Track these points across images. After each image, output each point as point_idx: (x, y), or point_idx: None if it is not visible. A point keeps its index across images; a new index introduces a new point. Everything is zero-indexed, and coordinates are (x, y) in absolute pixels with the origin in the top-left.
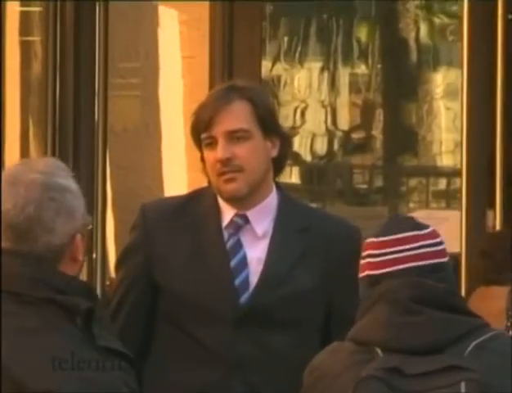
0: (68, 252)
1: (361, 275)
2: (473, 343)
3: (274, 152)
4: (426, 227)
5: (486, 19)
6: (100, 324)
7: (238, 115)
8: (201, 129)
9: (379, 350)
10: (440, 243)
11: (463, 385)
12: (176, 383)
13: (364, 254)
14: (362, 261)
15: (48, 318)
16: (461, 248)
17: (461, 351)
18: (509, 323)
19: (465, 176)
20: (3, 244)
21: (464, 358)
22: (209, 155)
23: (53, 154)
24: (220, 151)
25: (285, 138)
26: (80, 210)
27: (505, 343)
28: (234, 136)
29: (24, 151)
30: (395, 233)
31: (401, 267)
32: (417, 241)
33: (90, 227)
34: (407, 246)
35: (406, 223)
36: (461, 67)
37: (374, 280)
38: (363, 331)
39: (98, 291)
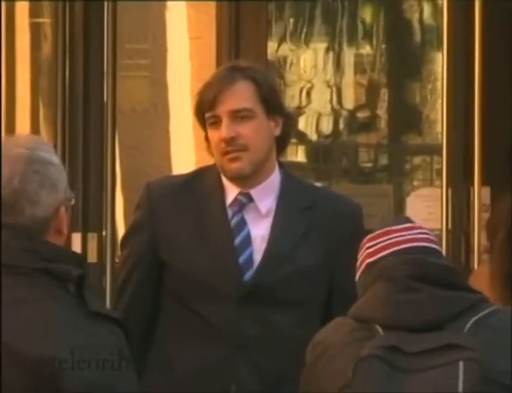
0: (53, 224)
1: (359, 268)
2: (473, 319)
3: (277, 131)
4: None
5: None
6: (90, 291)
7: (242, 95)
8: (205, 109)
9: (379, 328)
10: (432, 235)
11: (461, 364)
12: (180, 358)
13: (362, 250)
14: (360, 257)
15: (42, 287)
16: (447, 224)
17: (461, 328)
18: None
19: (445, 154)
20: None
21: (464, 335)
22: (214, 134)
23: (63, 134)
24: (224, 130)
25: (288, 118)
26: (63, 183)
27: (504, 318)
28: (238, 115)
29: (35, 132)
30: (390, 226)
31: (397, 248)
32: (412, 230)
33: (73, 202)
34: (403, 233)
35: (400, 219)
36: (442, 51)
37: (372, 265)
38: (363, 308)
39: (108, 268)
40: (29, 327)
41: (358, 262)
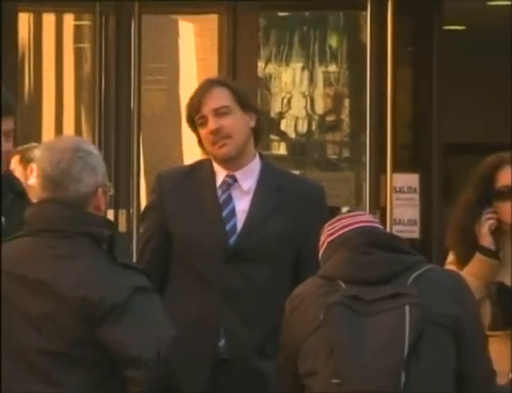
0: (92, 201)
1: (321, 247)
2: (414, 275)
3: (252, 123)
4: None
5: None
6: (119, 248)
7: (219, 96)
8: (193, 113)
9: (342, 283)
10: (377, 220)
11: (407, 307)
12: (180, 306)
13: (323, 233)
14: (322, 238)
15: (82, 246)
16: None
17: (404, 282)
18: None
19: (368, 142)
20: (43, 194)
21: (407, 286)
22: (203, 131)
23: (99, 134)
24: (211, 124)
25: (259, 113)
26: (101, 170)
27: (437, 274)
28: (219, 112)
29: (78, 132)
30: (344, 215)
31: (351, 228)
32: (361, 216)
33: (111, 192)
34: (355, 218)
35: (352, 210)
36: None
37: (332, 242)
38: (329, 269)
39: (134, 236)
40: (74, 275)
41: (320, 243)
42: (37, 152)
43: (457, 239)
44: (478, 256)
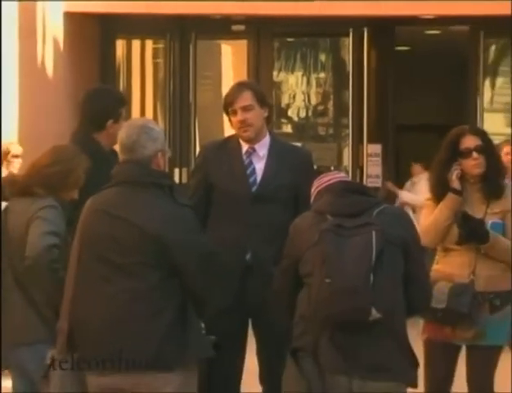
0: (154, 161)
1: (312, 195)
2: (376, 210)
3: (265, 114)
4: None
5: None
6: (178, 193)
7: (245, 97)
8: (228, 106)
9: (329, 216)
10: (348, 177)
11: (373, 232)
12: (220, 233)
13: (313, 186)
14: (312, 189)
15: (151, 193)
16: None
17: (370, 215)
18: None
19: (351, 124)
20: (122, 157)
21: (373, 218)
22: (234, 119)
23: (169, 121)
24: (239, 116)
25: (270, 107)
26: (161, 140)
27: (391, 210)
28: (245, 108)
29: (155, 119)
30: (327, 173)
31: (333, 181)
32: (339, 174)
33: (169, 154)
34: (335, 175)
35: (332, 171)
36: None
37: (319, 191)
38: (320, 207)
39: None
40: (147, 212)
41: (312, 190)
42: (14, 147)
43: (435, 184)
44: (449, 195)
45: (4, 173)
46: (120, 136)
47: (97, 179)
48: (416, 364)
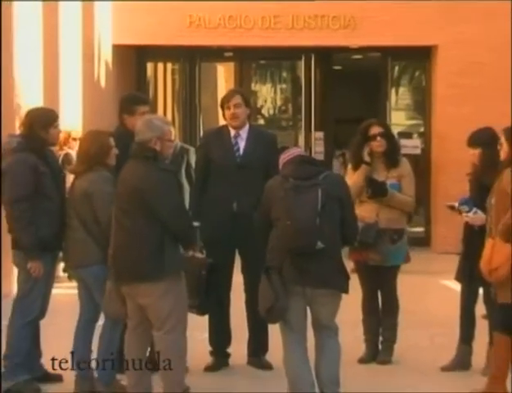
0: (151, 144)
1: (280, 164)
2: (322, 175)
3: (248, 112)
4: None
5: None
6: (161, 162)
7: (236, 98)
8: (224, 103)
9: (290, 179)
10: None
11: (319, 190)
12: (215, 191)
13: (280, 159)
14: (280, 160)
15: (141, 162)
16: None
17: (318, 178)
18: None
19: (304, 118)
20: (136, 139)
21: (320, 180)
22: (227, 112)
23: (184, 122)
24: (232, 110)
25: (251, 107)
26: (158, 130)
27: (332, 175)
28: (236, 105)
29: (173, 122)
30: (289, 149)
31: (293, 155)
32: (297, 149)
33: (173, 138)
34: (294, 150)
35: (293, 147)
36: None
37: (284, 163)
38: (285, 172)
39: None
40: (136, 175)
41: (280, 160)
42: (73, 132)
43: (353, 158)
44: (362, 166)
45: (64, 152)
46: (138, 124)
47: (123, 155)
48: (347, 278)
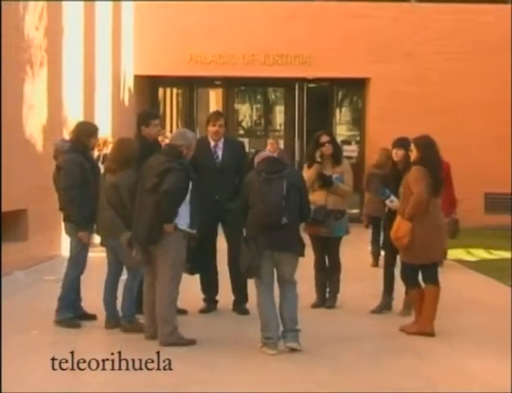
0: (180, 149)
1: (256, 163)
2: (286, 171)
3: (226, 128)
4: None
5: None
6: (183, 160)
7: (219, 119)
8: (210, 121)
9: (263, 173)
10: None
11: (284, 181)
12: (201, 187)
13: (255, 161)
14: (255, 161)
15: (168, 159)
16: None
17: (283, 173)
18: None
19: (283, 130)
20: (170, 141)
21: (285, 173)
22: (211, 129)
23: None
24: (216, 128)
25: (227, 125)
26: (188, 140)
27: (293, 171)
28: (219, 125)
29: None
30: (263, 152)
31: (267, 155)
32: (268, 152)
33: (194, 147)
34: (267, 152)
35: (264, 151)
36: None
37: (257, 163)
38: (259, 169)
39: None
40: (160, 164)
41: (255, 162)
42: (109, 137)
43: (308, 158)
44: (315, 165)
45: (104, 152)
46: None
47: (142, 155)
48: (304, 245)
